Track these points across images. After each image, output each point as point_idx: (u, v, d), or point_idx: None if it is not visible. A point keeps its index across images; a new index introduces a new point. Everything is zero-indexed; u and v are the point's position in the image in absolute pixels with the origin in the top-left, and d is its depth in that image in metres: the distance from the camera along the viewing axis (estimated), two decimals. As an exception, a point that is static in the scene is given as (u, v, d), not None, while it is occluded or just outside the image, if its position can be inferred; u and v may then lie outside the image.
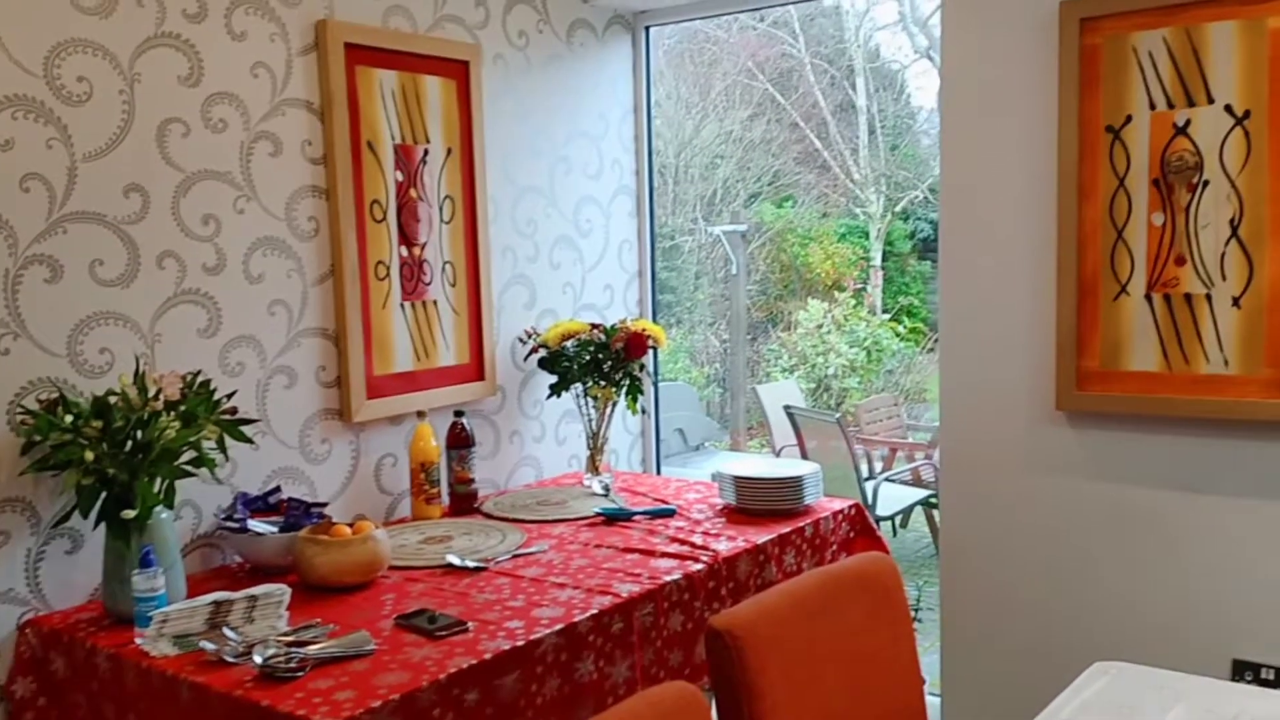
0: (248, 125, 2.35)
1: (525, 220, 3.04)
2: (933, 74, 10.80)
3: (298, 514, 2.26)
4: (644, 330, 2.97)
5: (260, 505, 2.32)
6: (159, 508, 1.99)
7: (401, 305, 2.69)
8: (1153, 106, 2.33)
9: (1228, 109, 2.25)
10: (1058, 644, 2.56)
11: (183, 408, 2.00)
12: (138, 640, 1.85)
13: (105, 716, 1.88)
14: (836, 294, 10.27)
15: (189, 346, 2.26)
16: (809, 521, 2.57)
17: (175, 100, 2.22)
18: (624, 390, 2.98)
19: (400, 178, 2.66)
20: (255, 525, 2.23)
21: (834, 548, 2.64)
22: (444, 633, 1.86)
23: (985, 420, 2.63)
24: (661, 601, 2.14)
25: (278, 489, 2.39)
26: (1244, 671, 2.36)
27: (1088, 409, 2.47)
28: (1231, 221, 2.27)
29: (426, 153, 2.72)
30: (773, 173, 11.03)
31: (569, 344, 2.95)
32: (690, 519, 2.60)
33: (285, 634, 1.84)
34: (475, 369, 2.89)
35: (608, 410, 2.99)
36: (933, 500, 5.98)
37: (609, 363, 2.94)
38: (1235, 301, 2.28)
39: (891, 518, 6.08)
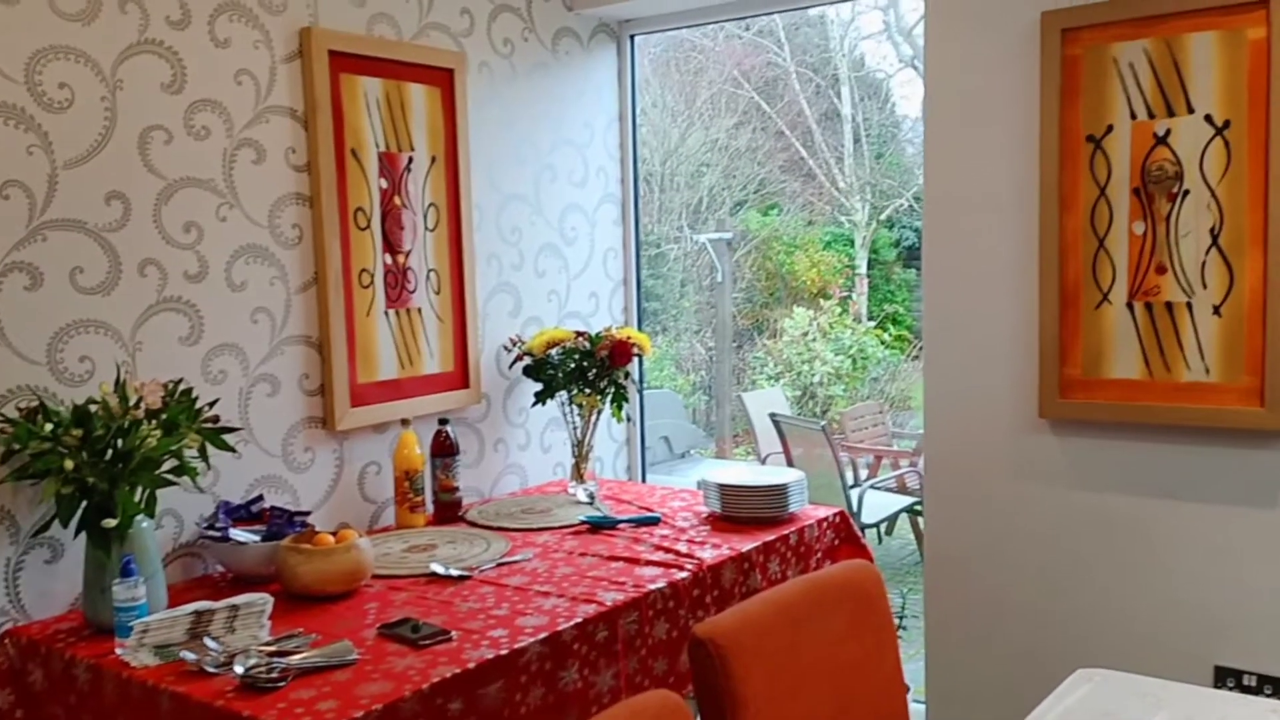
0: (231, 132, 2.34)
1: (510, 228, 3.04)
2: (917, 83, 10.87)
3: (280, 523, 2.25)
4: (629, 338, 2.97)
5: (243, 514, 2.31)
6: (140, 517, 1.97)
7: (385, 313, 2.68)
8: (1133, 116, 2.35)
9: (1207, 119, 2.27)
10: (1041, 651, 2.57)
11: (164, 416, 1.99)
12: (118, 651, 1.83)
13: (84, 728, 1.86)
14: (822, 302, 10.30)
15: (171, 355, 2.25)
16: (794, 529, 2.57)
17: (158, 107, 2.21)
18: (609, 398, 2.97)
19: (384, 185, 2.66)
20: (237, 534, 2.21)
21: (819, 555, 2.65)
22: (427, 642, 1.85)
23: (969, 428, 2.64)
24: (646, 610, 2.14)
25: (260, 498, 2.38)
26: (1226, 678, 2.37)
27: (1070, 416, 2.48)
28: (1212, 230, 2.29)
29: (411, 160, 2.72)
30: (758, 181, 11.06)
31: (554, 352, 2.95)
32: (675, 527, 2.60)
33: (267, 644, 1.83)
34: (460, 377, 2.88)
35: (592, 418, 2.99)
36: (918, 507, 5.99)
37: (594, 370, 2.94)
38: (1216, 310, 2.30)
39: (876, 525, 6.09)
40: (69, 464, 1.87)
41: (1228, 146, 2.26)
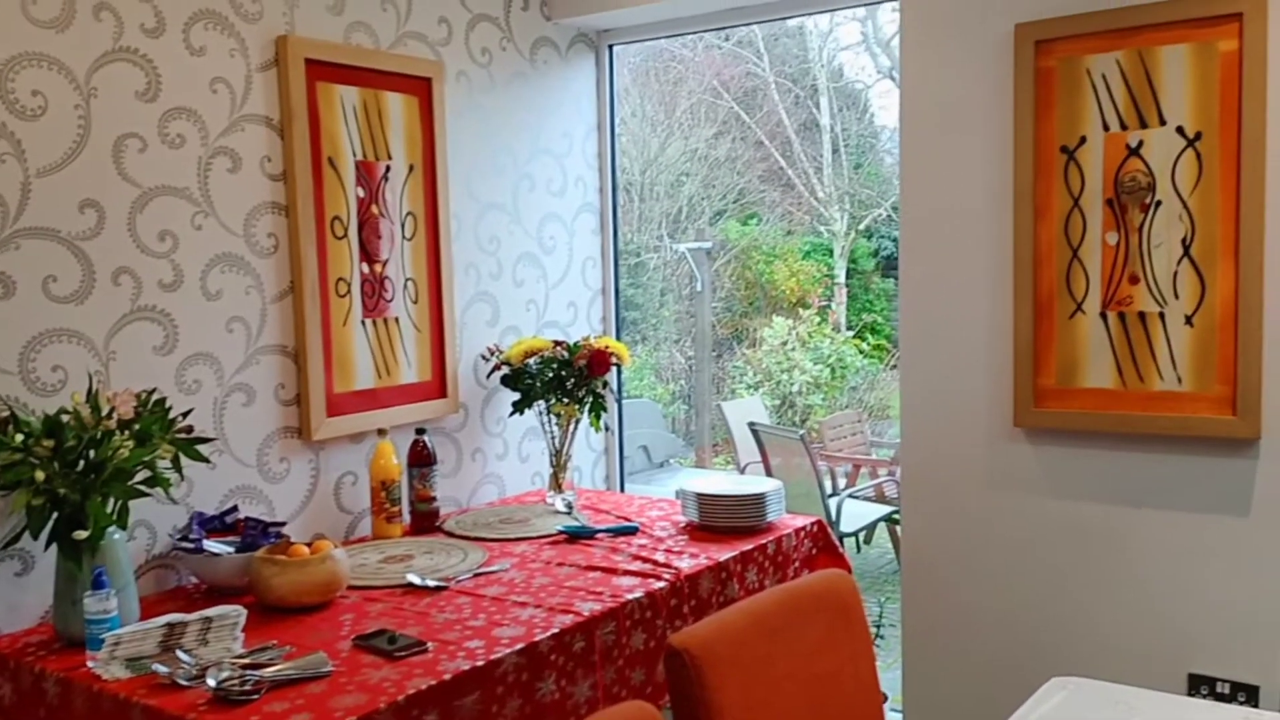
0: (206, 141, 2.33)
1: (488, 237, 3.04)
2: (895, 94, 10.92)
3: (255, 534, 2.24)
4: (607, 347, 2.97)
5: (217, 525, 2.29)
6: (112, 528, 1.95)
7: (362, 322, 2.67)
8: (1106, 128, 2.37)
9: (1179, 131, 2.30)
10: (1018, 659, 2.58)
11: (137, 426, 1.97)
12: (89, 664, 1.81)
13: (54, 742, 1.84)
14: (801, 311, 10.33)
15: (144, 364, 2.23)
16: (771, 539, 2.57)
17: (132, 115, 2.20)
18: (587, 407, 2.97)
19: (362, 194, 2.65)
20: (211, 545, 2.19)
21: (796, 564, 2.65)
22: (403, 653, 1.84)
23: (946, 437, 2.65)
24: (624, 620, 2.13)
25: (235, 508, 2.36)
26: (1200, 686, 2.39)
27: (1045, 425, 2.50)
28: (1184, 241, 2.31)
29: (388, 169, 2.71)
30: (738, 190, 11.10)
31: (532, 361, 2.95)
32: (653, 536, 2.59)
33: (240, 656, 1.81)
34: (437, 386, 2.88)
35: (571, 428, 2.99)
36: (896, 516, 6.00)
37: (572, 380, 2.94)
38: (1188, 320, 2.32)
39: (855, 534, 6.11)
40: (40, 475, 1.85)
41: (1199, 158, 2.28)
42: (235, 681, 1.69)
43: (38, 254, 2.06)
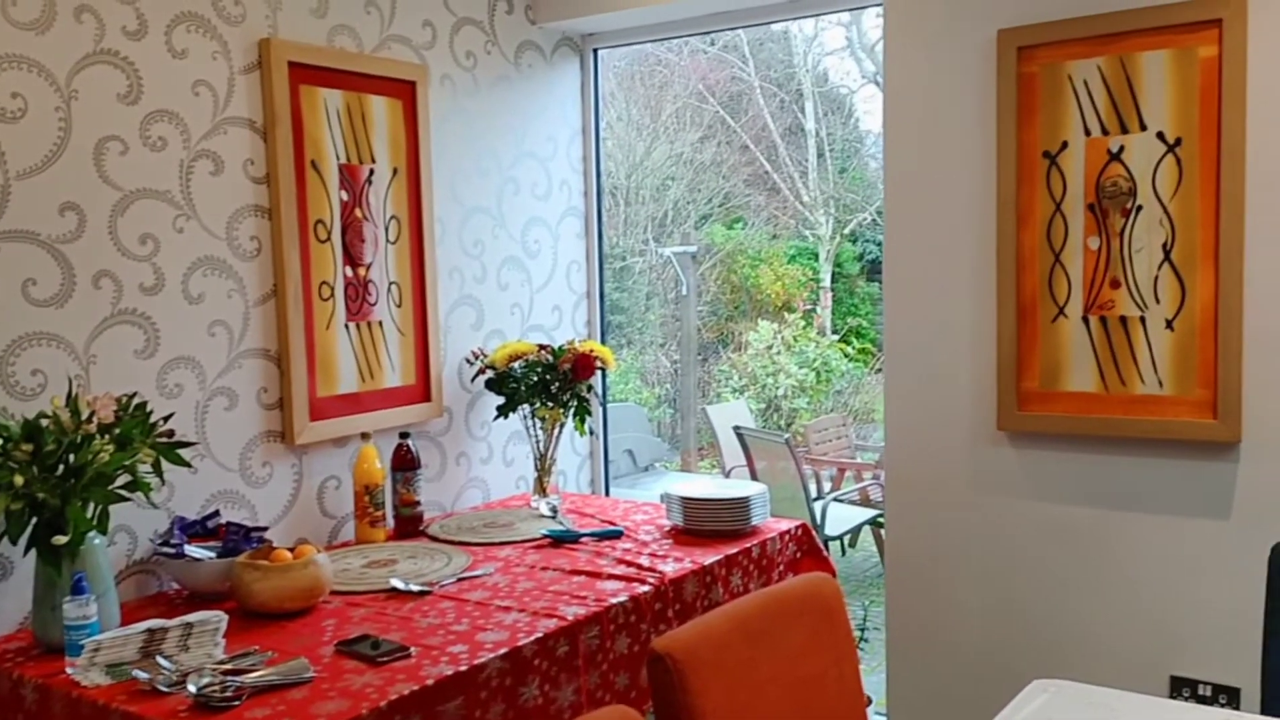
0: (188, 144, 2.31)
1: (473, 241, 3.03)
2: (880, 99, 10.96)
3: (237, 538, 2.23)
4: (592, 351, 2.97)
5: (198, 530, 2.27)
6: (92, 533, 1.94)
7: (346, 326, 2.66)
8: (1088, 133, 2.38)
9: (1160, 136, 2.31)
10: (1001, 662, 2.59)
11: (117, 430, 1.96)
12: (68, 670, 1.80)
13: (33, 749, 1.82)
14: (786, 315, 10.35)
15: (125, 368, 2.22)
16: (756, 542, 2.57)
17: (113, 118, 2.19)
18: (572, 411, 2.97)
19: (345, 197, 2.64)
20: (192, 550, 2.18)
21: (780, 568, 2.65)
22: (386, 659, 1.83)
23: (930, 440, 2.66)
24: (608, 624, 2.13)
25: (216, 513, 2.35)
26: (1181, 688, 2.40)
27: (1028, 429, 2.51)
28: (1164, 246, 2.33)
29: (372, 172, 2.71)
30: (723, 194, 11.11)
31: (516, 365, 2.94)
32: (638, 540, 2.59)
33: (222, 662, 1.80)
34: (421, 390, 2.87)
35: (555, 431, 2.98)
36: (880, 520, 6.02)
37: (557, 384, 2.93)
38: (1168, 324, 2.34)
39: (840, 537, 6.11)
40: (19, 479, 1.83)
41: (1179, 163, 2.30)
42: (216, 688, 1.68)
43: (17, 257, 2.05)
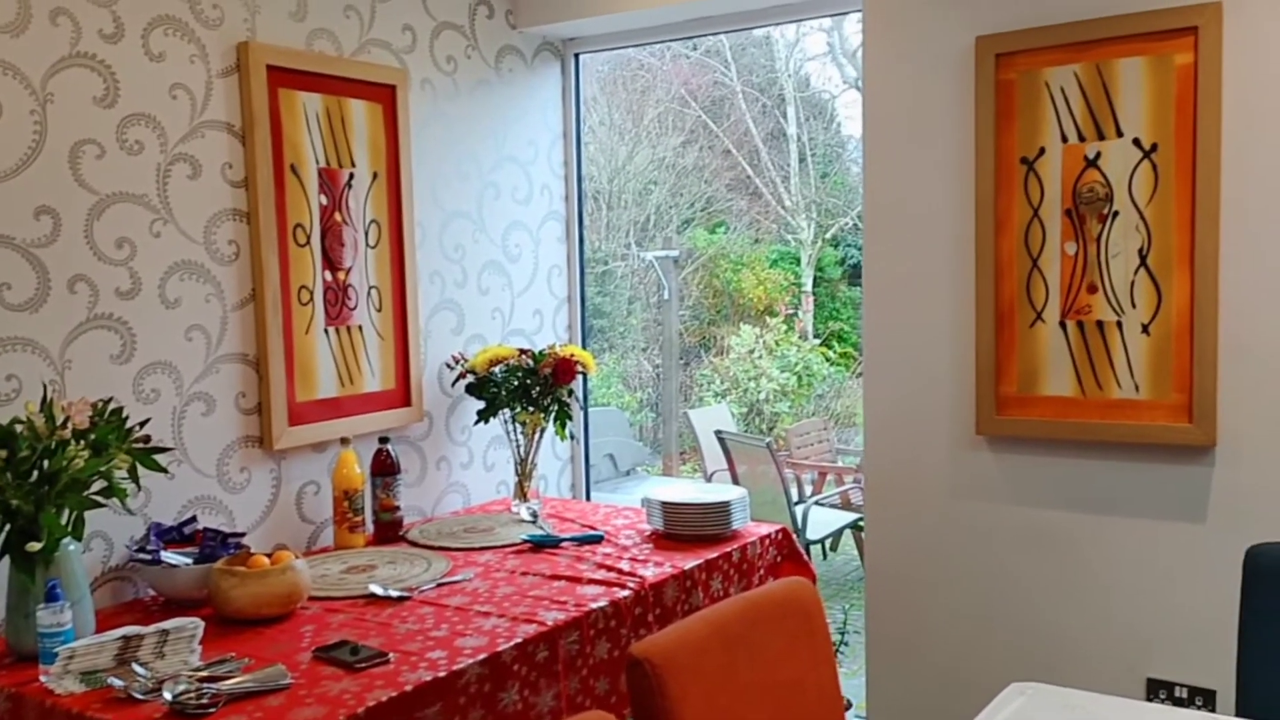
0: (165, 147, 2.30)
1: (453, 245, 3.03)
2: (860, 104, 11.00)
3: (214, 545, 2.21)
4: (572, 356, 2.97)
5: (175, 536, 2.26)
6: (66, 540, 1.92)
7: (325, 330, 2.65)
8: (1064, 139, 2.40)
9: (1136, 142, 2.33)
10: (979, 665, 2.60)
11: (92, 436, 1.94)
12: (42, 678, 1.78)
13: (6, 758, 1.80)
14: (768, 319, 10.36)
15: (101, 373, 2.20)
16: (736, 547, 2.58)
17: (90, 121, 2.17)
18: (552, 416, 2.96)
19: (325, 201, 2.63)
20: (169, 557, 2.17)
21: (761, 572, 2.65)
22: (364, 664, 1.82)
23: (909, 444, 2.67)
24: (588, 629, 2.13)
25: (193, 519, 2.33)
26: (1158, 690, 2.41)
27: (1006, 433, 2.52)
28: (1140, 251, 2.35)
29: (352, 176, 2.70)
30: (705, 199, 11.13)
31: (497, 369, 2.94)
32: (618, 545, 2.59)
33: (198, 669, 1.79)
34: (401, 395, 2.86)
35: (536, 436, 2.98)
36: (861, 524, 6.02)
37: (537, 388, 2.93)
38: (1145, 329, 2.35)
39: (821, 541, 6.13)
40: (-8, 486, 1.82)
41: (1155, 169, 2.32)
42: (192, 695, 1.67)
43: (-9, 261, 2.03)
